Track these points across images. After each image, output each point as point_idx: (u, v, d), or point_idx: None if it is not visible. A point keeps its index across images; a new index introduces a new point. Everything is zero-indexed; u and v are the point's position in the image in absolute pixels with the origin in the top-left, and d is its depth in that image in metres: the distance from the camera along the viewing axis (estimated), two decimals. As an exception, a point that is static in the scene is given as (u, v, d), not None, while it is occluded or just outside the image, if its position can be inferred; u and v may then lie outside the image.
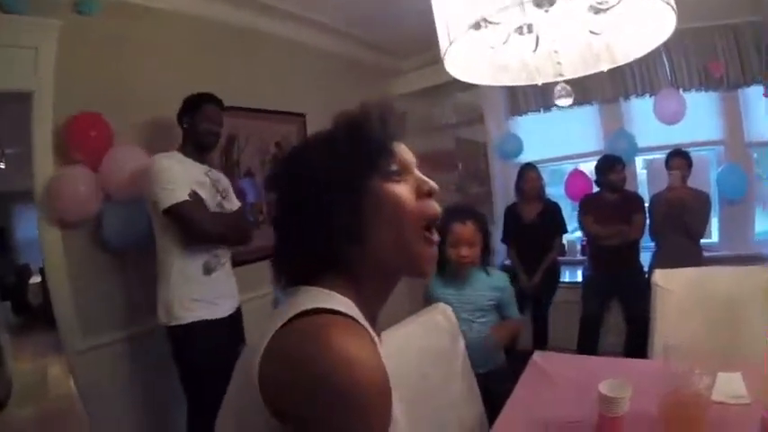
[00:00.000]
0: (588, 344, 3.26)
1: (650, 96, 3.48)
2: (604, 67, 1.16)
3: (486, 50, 1.10)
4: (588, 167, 3.66)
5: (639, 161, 3.88)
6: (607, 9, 1.02)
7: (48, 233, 2.23)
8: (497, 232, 3.67)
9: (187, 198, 1.93)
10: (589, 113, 3.89)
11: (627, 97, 3.65)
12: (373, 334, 0.64)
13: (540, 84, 1.18)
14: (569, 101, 1.10)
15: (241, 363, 0.62)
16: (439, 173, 4.37)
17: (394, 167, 0.71)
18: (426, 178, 0.75)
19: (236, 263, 2.36)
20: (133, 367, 2.42)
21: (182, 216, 1.92)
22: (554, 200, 3.59)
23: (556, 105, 3.78)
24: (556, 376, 1.54)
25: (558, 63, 1.07)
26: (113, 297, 2.38)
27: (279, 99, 3.29)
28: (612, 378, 1.17)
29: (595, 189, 3.38)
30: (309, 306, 0.59)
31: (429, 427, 1.35)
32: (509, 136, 4.07)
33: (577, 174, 3.80)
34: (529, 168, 3.52)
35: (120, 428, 2.35)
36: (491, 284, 1.94)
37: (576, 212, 3.45)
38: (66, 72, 2.25)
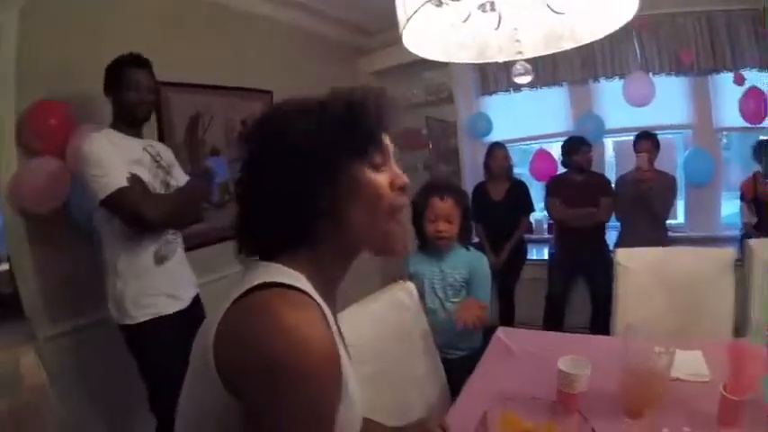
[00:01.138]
0: (554, 321, 3.36)
1: (620, 79, 3.52)
2: (566, 47, 1.16)
3: (446, 27, 1.08)
4: (555, 148, 3.70)
5: (609, 143, 3.94)
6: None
7: (12, 222, 2.16)
8: (467, 211, 3.72)
9: (125, 184, 1.71)
10: (559, 94, 3.93)
11: (596, 79, 3.69)
12: (326, 308, 0.66)
13: (500, 62, 1.17)
14: (528, 78, 1.09)
15: (197, 340, 0.63)
16: (408, 151, 4.39)
17: (378, 158, 0.73)
18: (401, 173, 0.76)
19: (195, 245, 2.31)
20: (102, 353, 2.31)
21: (121, 206, 1.71)
22: (521, 179, 3.63)
23: (523, 85, 3.87)
24: (518, 351, 1.58)
25: (518, 41, 1.06)
26: (81, 282, 2.29)
27: (245, 76, 3.22)
28: (573, 355, 1.19)
29: (562, 170, 3.42)
30: (260, 281, 0.61)
31: (391, 403, 1.36)
32: (478, 115, 4.08)
33: (542, 153, 3.87)
34: (497, 147, 3.55)
35: (90, 414, 2.33)
36: (468, 261, 1.92)
37: (544, 193, 3.49)
38: (28, 56, 2.14)
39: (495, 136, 4.01)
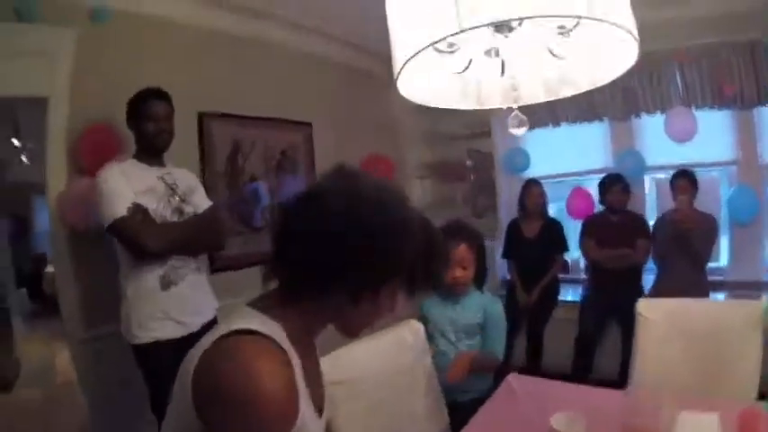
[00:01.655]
0: (582, 365, 3.21)
1: (661, 114, 3.39)
2: (565, 94, 1.15)
3: (445, 74, 1.10)
4: (594, 185, 3.58)
5: (649, 180, 3.79)
6: (568, 32, 1.01)
7: (58, 232, 2.34)
8: (500, 247, 3.65)
9: (124, 214, 1.78)
10: (599, 130, 3.82)
11: (638, 114, 3.56)
12: (293, 355, 0.76)
13: (504, 107, 1.17)
14: (523, 130, 1.08)
15: (183, 367, 0.73)
16: (449, 183, 4.40)
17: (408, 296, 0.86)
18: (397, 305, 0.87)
19: (229, 266, 2.39)
20: (130, 359, 2.44)
21: (121, 234, 1.81)
22: (556, 218, 3.56)
23: (566, 121, 3.81)
24: (523, 399, 1.53)
25: (515, 90, 1.06)
26: (116, 292, 2.39)
27: (285, 108, 3.34)
28: (574, 411, 1.15)
29: (599, 208, 3.31)
30: (238, 327, 0.71)
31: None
32: (516, 150, 4.03)
33: (579, 191, 3.74)
34: (532, 184, 3.50)
35: (111, 415, 2.42)
36: (482, 304, 1.89)
37: (579, 232, 3.38)
38: (81, 81, 2.35)
39: (532, 171, 3.95)
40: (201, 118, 2.88)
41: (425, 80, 1.14)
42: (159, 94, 2.01)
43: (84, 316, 2.39)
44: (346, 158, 2.84)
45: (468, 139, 4.26)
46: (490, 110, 3.89)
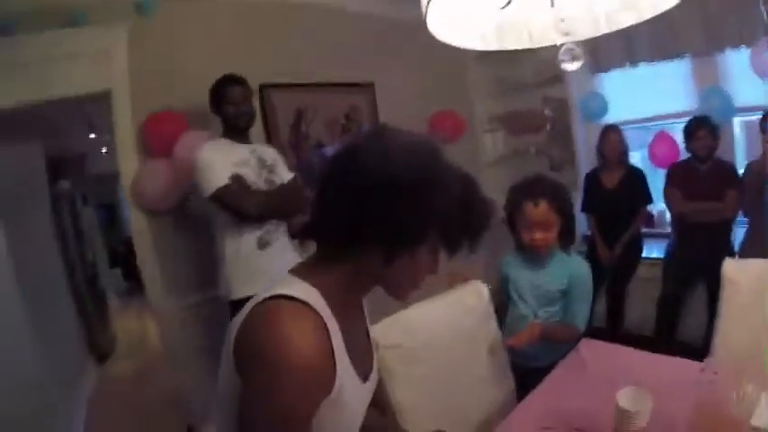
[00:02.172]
0: (665, 328, 2.98)
1: (747, 48, 2.94)
2: (628, 21, 0.98)
3: (485, 12, 0.98)
4: (679, 130, 3.23)
5: (738, 123, 3.36)
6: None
7: (136, 218, 2.53)
8: (579, 200, 3.40)
9: (227, 182, 1.99)
10: (680, 69, 3.42)
11: (721, 49, 3.12)
12: (331, 321, 0.76)
13: (554, 45, 1.03)
14: (577, 65, 0.94)
15: (230, 327, 0.77)
16: (522, 135, 4.18)
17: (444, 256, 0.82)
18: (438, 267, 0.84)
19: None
20: (210, 328, 2.62)
21: (224, 201, 2.00)
22: (639, 167, 3.26)
23: (644, 60, 3.45)
24: (592, 368, 1.42)
25: (563, 20, 0.91)
26: (195, 265, 2.62)
27: (345, 70, 3.29)
28: (644, 384, 1.03)
29: (685, 156, 3.00)
30: (276, 292, 0.74)
31: (445, 406, 1.33)
32: (592, 95, 3.70)
33: (662, 136, 3.37)
34: (610, 131, 3.20)
35: (197, 382, 2.59)
36: (568, 269, 1.68)
37: (664, 183, 3.08)
38: (140, 71, 2.46)
39: (611, 116, 3.63)
40: (261, 90, 2.89)
41: (467, 21, 1.02)
42: (235, 80, 2.21)
43: (166, 289, 2.57)
44: (412, 116, 2.90)
45: (539, 86, 3.96)
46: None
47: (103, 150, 5.36)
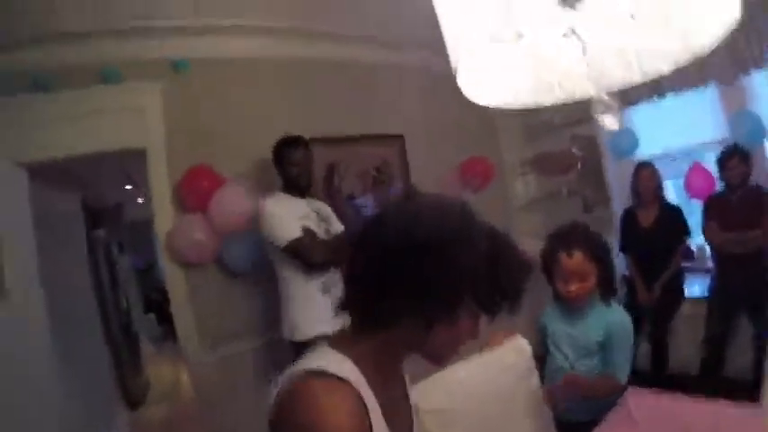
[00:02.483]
0: (712, 368, 2.83)
1: None
2: (664, 69, 0.96)
3: (515, 68, 0.98)
4: (713, 159, 3.15)
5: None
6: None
7: (171, 270, 2.59)
8: (616, 241, 3.32)
9: (300, 235, 2.15)
10: (708, 96, 3.35)
11: (747, 72, 3.04)
12: (366, 392, 0.74)
13: (595, 95, 1.01)
14: (613, 119, 0.92)
15: (271, 396, 0.75)
16: (556, 175, 4.12)
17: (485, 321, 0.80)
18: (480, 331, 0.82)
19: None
20: (240, 379, 2.65)
21: (297, 252, 2.16)
22: (674, 201, 3.20)
23: (670, 91, 3.41)
24: (640, 420, 1.34)
25: (600, 71, 0.90)
26: (231, 318, 2.66)
27: (375, 122, 3.35)
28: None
29: (721, 186, 2.91)
30: (311, 367, 0.73)
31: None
32: (621, 131, 3.62)
33: (697, 168, 3.28)
34: (642, 167, 3.14)
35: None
36: (606, 321, 1.59)
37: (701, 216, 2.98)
38: (174, 127, 2.57)
39: (643, 151, 3.56)
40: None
41: (497, 78, 1.02)
42: (298, 142, 2.38)
43: (200, 340, 2.59)
44: (442, 165, 3.04)
45: (567, 126, 3.92)
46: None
47: (139, 200, 5.54)
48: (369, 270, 0.76)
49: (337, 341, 0.80)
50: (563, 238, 1.58)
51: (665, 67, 0.96)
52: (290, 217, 2.20)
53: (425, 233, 0.72)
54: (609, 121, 0.93)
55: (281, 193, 2.35)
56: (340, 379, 0.71)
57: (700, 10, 0.88)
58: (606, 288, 1.60)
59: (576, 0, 0.83)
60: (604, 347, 1.58)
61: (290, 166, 2.33)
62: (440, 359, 0.82)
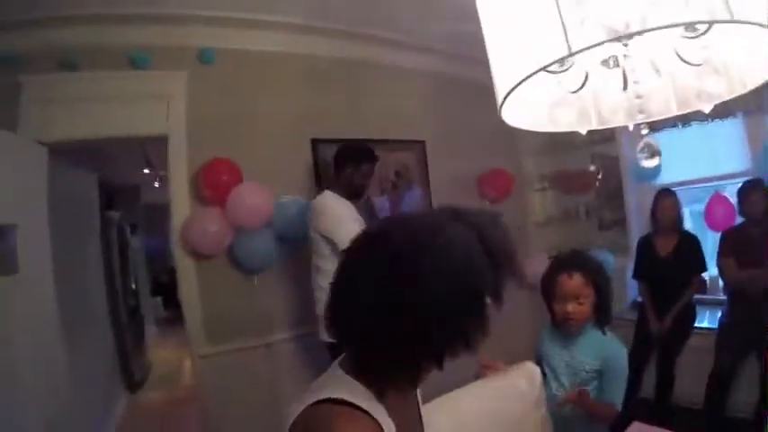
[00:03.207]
0: (716, 403, 2.79)
1: None
2: (703, 107, 0.96)
3: (554, 93, 0.98)
4: (734, 191, 3.11)
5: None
6: (700, 34, 0.84)
7: (182, 260, 2.60)
8: (631, 264, 3.32)
9: None
10: (734, 128, 3.32)
11: None
12: (386, 421, 0.73)
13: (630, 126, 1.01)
14: (656, 161, 0.92)
15: (286, 421, 0.74)
16: (572, 194, 4.12)
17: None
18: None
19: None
20: (244, 375, 2.66)
21: None
22: (692, 231, 3.16)
23: (696, 120, 3.37)
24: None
25: (640, 98, 0.89)
26: (239, 311, 2.67)
27: (396, 128, 3.35)
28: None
29: (740, 219, 2.88)
30: (330, 395, 0.71)
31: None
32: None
33: (718, 199, 3.25)
34: (664, 195, 3.10)
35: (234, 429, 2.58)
36: (601, 349, 1.63)
37: (717, 249, 2.94)
38: (197, 117, 2.59)
39: (664, 177, 3.54)
40: (315, 144, 2.99)
41: (534, 104, 1.02)
42: (373, 156, 2.46)
43: (206, 334, 2.61)
44: (462, 173, 3.12)
45: (590, 145, 3.89)
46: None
47: (156, 185, 5.59)
48: (399, 300, 0.70)
49: (352, 367, 0.77)
50: (564, 261, 1.68)
51: (703, 105, 0.95)
52: (351, 219, 2.24)
53: (467, 280, 0.72)
54: (650, 163, 0.92)
55: (334, 195, 2.37)
56: (359, 408, 0.71)
57: (748, 55, 0.88)
58: (601, 314, 1.65)
59: (628, 37, 0.82)
60: (600, 376, 1.62)
61: (360, 177, 2.41)
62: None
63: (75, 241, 3.47)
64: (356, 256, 0.77)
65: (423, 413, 0.97)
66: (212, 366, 2.60)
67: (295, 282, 2.82)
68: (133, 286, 5.70)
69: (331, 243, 2.22)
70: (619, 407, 1.59)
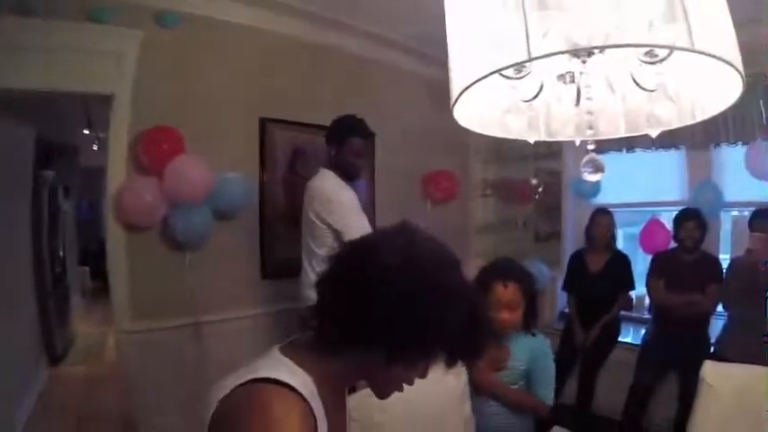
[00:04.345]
0: (634, 415, 2.94)
1: (743, 145, 3.03)
2: (651, 131, 0.99)
3: (506, 99, 0.98)
4: (669, 217, 3.29)
5: (728, 218, 3.43)
6: (659, 61, 0.86)
7: (114, 229, 2.46)
8: (561, 277, 3.46)
9: (369, 230, 2.00)
10: (675, 159, 3.52)
11: (718, 144, 3.23)
12: (317, 405, 0.73)
13: (577, 141, 1.04)
14: (599, 176, 0.94)
15: (209, 399, 0.71)
16: (512, 203, 4.22)
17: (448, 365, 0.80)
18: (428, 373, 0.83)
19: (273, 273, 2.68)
20: (169, 354, 2.55)
21: None
22: (623, 251, 3.31)
23: (641, 147, 3.53)
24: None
25: (590, 113, 0.91)
26: (166, 290, 2.55)
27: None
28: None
29: (673, 244, 3.04)
30: (263, 374, 0.70)
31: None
32: None
33: (654, 223, 3.42)
34: (601, 214, 3.25)
35: (156, 410, 2.48)
36: (529, 349, 1.70)
37: (648, 270, 3.10)
38: (146, 81, 2.44)
39: (603, 197, 3.69)
40: (263, 123, 2.90)
41: (487, 106, 1.02)
42: (367, 133, 2.37)
43: (132, 309, 2.48)
44: (408, 171, 3.02)
45: (536, 158, 4.02)
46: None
47: (95, 147, 5.28)
48: (352, 297, 0.73)
49: (296, 353, 0.77)
50: (501, 271, 1.68)
51: (651, 130, 0.98)
52: (358, 210, 2.18)
53: (422, 279, 0.72)
54: (593, 177, 0.94)
55: (336, 177, 2.28)
56: (292, 389, 0.70)
57: (703, 87, 0.90)
58: (530, 319, 1.71)
59: (587, 54, 0.83)
60: (528, 375, 1.69)
61: (351, 154, 2.30)
62: (384, 394, 0.83)
63: (2, 198, 3.23)
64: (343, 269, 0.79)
65: (349, 404, 0.97)
66: (136, 343, 2.48)
67: (228, 261, 2.74)
68: (61, 253, 5.38)
69: (335, 232, 2.15)
70: (550, 400, 1.66)
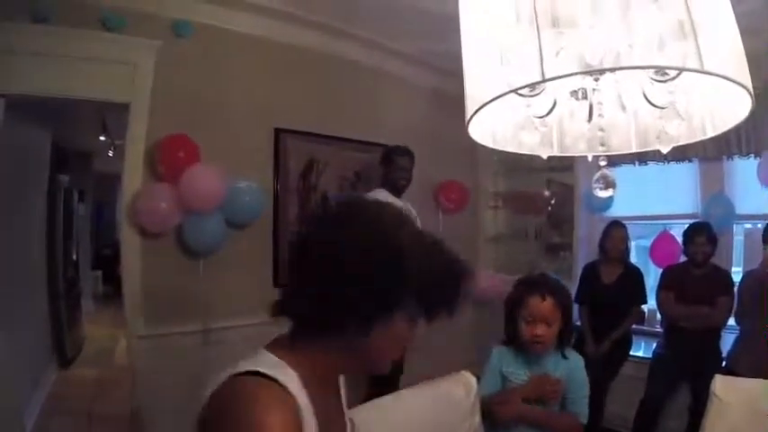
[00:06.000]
0: (644, 429, 2.91)
1: (755, 158, 3.01)
2: (662, 147, 1.00)
3: (520, 115, 1.00)
4: (680, 231, 3.27)
5: (741, 230, 3.40)
6: (670, 79, 0.88)
7: (128, 235, 2.50)
8: (572, 289, 3.41)
9: None
10: (687, 171, 3.51)
11: (730, 156, 3.21)
12: (304, 401, 0.72)
13: (589, 157, 1.05)
14: (610, 192, 0.95)
15: (202, 395, 0.72)
16: (523, 215, 4.23)
17: (425, 325, 0.81)
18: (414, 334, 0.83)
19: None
20: (184, 362, 2.56)
21: None
22: (636, 264, 3.29)
23: (653, 159, 3.52)
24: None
25: (602, 140, 0.92)
26: (180, 294, 2.58)
27: (360, 128, 3.33)
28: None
29: (683, 258, 3.02)
30: (250, 368, 0.71)
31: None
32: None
33: (665, 237, 3.41)
34: (615, 227, 3.23)
35: (164, 416, 2.48)
36: (566, 369, 1.64)
37: (658, 283, 3.08)
38: (162, 90, 2.49)
39: (615, 210, 3.68)
40: (278, 133, 2.94)
41: (501, 123, 1.04)
42: (407, 152, 2.94)
43: (145, 315, 2.51)
44: (421, 181, 2.97)
45: (548, 171, 4.00)
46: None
47: (110, 153, 5.36)
48: (305, 273, 0.77)
49: (278, 348, 0.78)
50: (535, 284, 1.63)
51: (662, 146, 0.99)
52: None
53: (366, 238, 0.74)
54: (604, 194, 0.95)
55: (385, 191, 2.71)
56: (276, 382, 0.70)
57: (714, 104, 0.92)
58: (565, 337, 1.66)
59: (600, 72, 0.84)
60: (564, 395, 1.63)
61: (397, 170, 2.84)
62: (377, 366, 0.83)
63: (19, 200, 3.28)
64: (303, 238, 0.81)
65: (357, 415, 0.98)
66: (147, 348, 2.51)
67: (241, 269, 2.76)
68: (74, 257, 5.44)
69: None
70: (584, 419, 1.62)
